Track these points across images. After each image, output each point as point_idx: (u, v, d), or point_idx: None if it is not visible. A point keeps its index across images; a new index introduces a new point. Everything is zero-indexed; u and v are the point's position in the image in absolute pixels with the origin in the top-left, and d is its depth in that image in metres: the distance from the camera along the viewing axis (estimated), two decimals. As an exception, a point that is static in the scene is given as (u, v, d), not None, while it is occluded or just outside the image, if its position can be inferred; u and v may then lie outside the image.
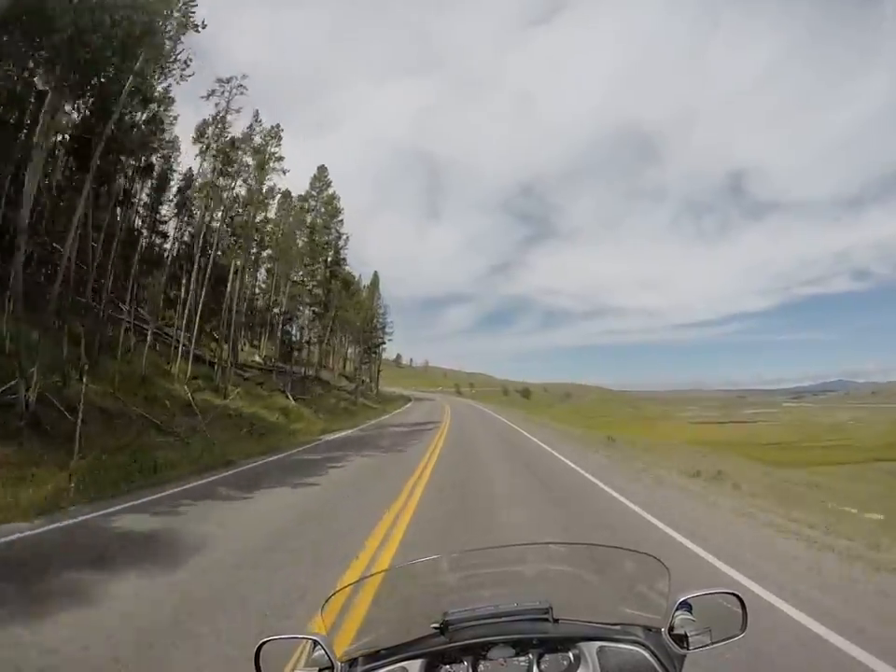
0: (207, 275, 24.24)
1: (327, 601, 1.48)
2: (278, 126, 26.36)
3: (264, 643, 1.25)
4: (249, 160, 25.13)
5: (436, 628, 1.25)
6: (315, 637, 1.24)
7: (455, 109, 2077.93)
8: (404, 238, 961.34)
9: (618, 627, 1.32)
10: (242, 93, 23.43)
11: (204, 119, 24.24)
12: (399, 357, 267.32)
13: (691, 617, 1.27)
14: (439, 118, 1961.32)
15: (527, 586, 1.61)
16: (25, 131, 16.17)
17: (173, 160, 28.05)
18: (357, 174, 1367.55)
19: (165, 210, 29.84)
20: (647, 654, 1.22)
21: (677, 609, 1.26)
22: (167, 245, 30.74)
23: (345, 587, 1.76)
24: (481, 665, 1.23)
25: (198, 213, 26.77)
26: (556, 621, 1.28)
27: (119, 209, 21.39)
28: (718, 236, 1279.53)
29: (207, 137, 23.80)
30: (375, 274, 63.56)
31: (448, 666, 1.22)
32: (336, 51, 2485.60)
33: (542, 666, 1.23)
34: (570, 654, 1.25)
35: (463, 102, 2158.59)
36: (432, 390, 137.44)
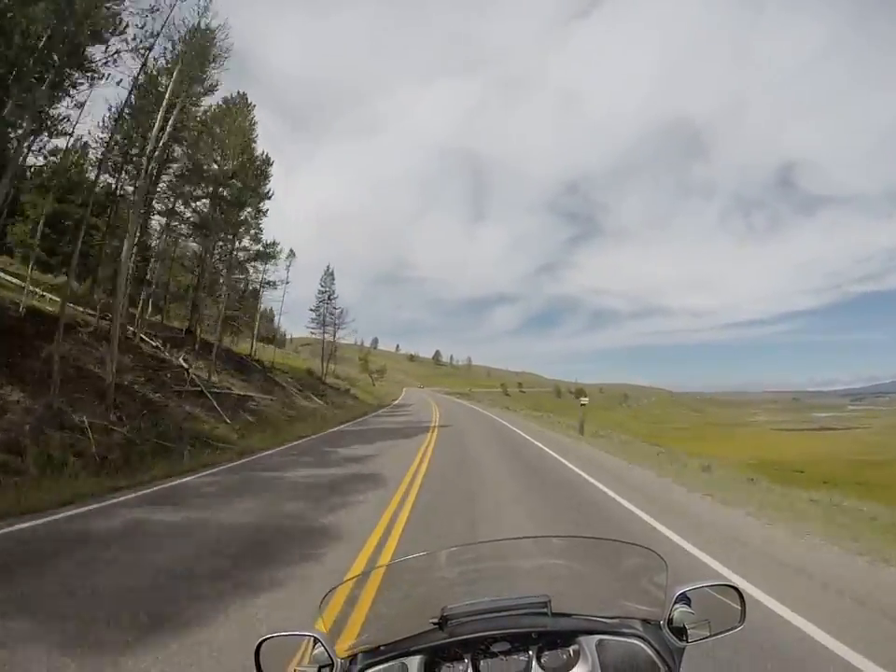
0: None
1: (325, 598, 1.47)
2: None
3: (264, 641, 1.26)
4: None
5: (434, 623, 1.24)
6: (314, 634, 1.25)
7: (499, 109, 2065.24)
8: (451, 240, 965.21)
9: (617, 621, 1.30)
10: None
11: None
12: (437, 353, 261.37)
13: (689, 610, 1.26)
14: (483, 118, 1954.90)
15: (526, 580, 1.64)
16: None
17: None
18: (404, 177, 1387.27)
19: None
20: (646, 647, 1.21)
21: (675, 602, 1.25)
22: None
23: (343, 583, 1.84)
24: (481, 662, 1.21)
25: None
26: (555, 615, 1.26)
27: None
28: (768, 233, 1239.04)
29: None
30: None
31: (448, 664, 1.22)
32: (381, 56, 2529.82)
33: (542, 661, 1.21)
34: (570, 648, 1.23)
35: (507, 101, 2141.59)
36: (458, 393, 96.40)
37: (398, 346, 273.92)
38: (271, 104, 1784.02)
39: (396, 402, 48.78)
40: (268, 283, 35.77)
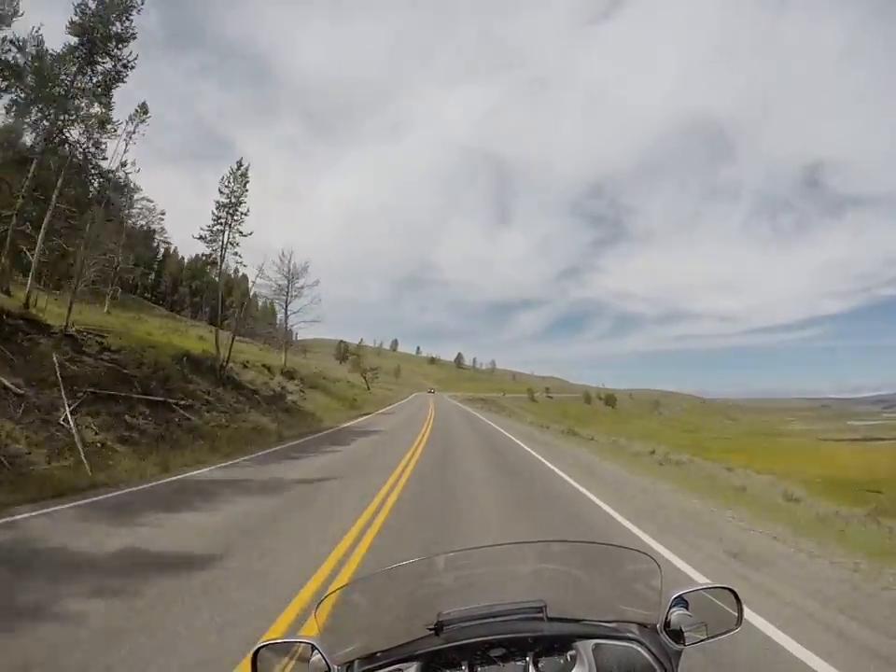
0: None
1: (320, 604, 1.46)
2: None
3: (260, 648, 1.27)
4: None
5: (431, 629, 1.25)
6: (310, 641, 1.27)
7: (524, 110, 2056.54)
8: (474, 242, 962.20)
9: (613, 625, 1.31)
10: None
11: None
12: (459, 356, 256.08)
13: (685, 613, 1.26)
14: (507, 120, 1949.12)
15: (521, 585, 1.63)
16: None
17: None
18: (428, 179, 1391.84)
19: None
20: (643, 651, 1.21)
21: (671, 605, 1.26)
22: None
23: (338, 589, 1.69)
24: (478, 668, 1.21)
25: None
26: (551, 619, 1.27)
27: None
28: (794, 235, 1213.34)
29: None
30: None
31: (445, 670, 1.22)
32: (407, 59, 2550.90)
33: (539, 666, 1.22)
34: (566, 653, 1.24)
35: (531, 103, 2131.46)
36: (481, 401, 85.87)
37: (418, 348, 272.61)
38: (298, 109, 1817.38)
39: (368, 417, 30.97)
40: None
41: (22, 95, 16.46)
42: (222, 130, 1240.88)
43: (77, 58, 17.48)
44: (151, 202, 53.23)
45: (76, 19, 17.53)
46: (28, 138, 17.99)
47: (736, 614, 1.32)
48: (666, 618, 1.26)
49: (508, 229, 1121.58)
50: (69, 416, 10.33)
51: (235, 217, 25.36)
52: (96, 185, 20.20)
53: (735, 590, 1.33)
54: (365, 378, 64.12)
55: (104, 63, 18.20)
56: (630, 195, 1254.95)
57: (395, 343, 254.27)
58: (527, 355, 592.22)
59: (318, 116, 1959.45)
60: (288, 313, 37.51)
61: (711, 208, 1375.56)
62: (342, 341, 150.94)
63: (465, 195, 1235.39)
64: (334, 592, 1.59)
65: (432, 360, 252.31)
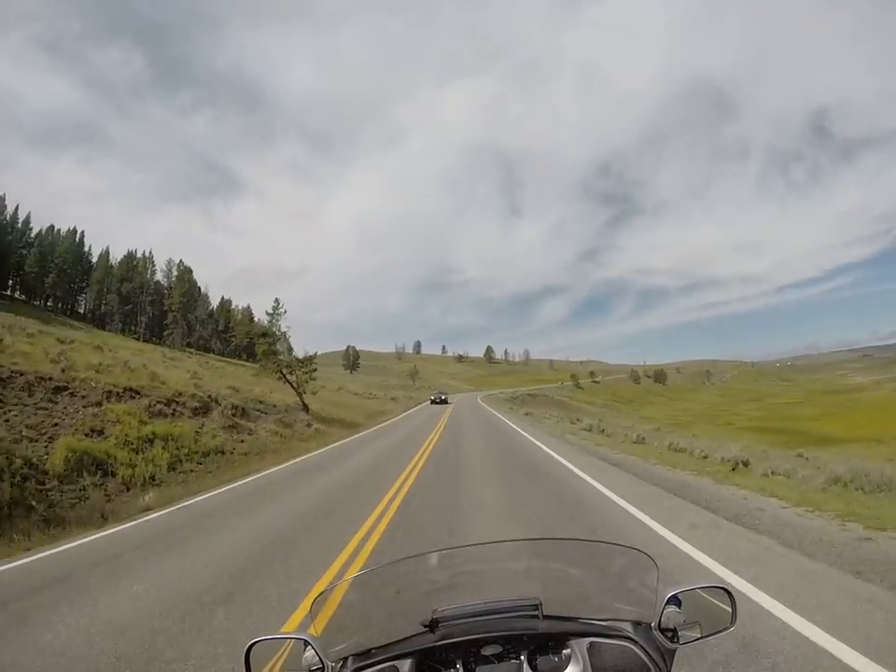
0: None
1: (315, 600, 1.43)
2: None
3: (254, 644, 1.25)
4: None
5: (425, 626, 1.23)
6: (304, 637, 1.24)
7: (520, 97, 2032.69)
8: (490, 238, 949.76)
9: (608, 623, 1.30)
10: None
11: None
12: (489, 350, 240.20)
13: (679, 611, 1.25)
14: (506, 109, 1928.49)
15: (516, 583, 1.63)
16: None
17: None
18: (436, 181, 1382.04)
19: None
20: (637, 649, 1.20)
21: (666, 604, 1.24)
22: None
23: (334, 586, 1.68)
24: (472, 665, 1.22)
25: None
26: (546, 617, 1.26)
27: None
28: (809, 186, 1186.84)
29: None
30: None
31: (440, 667, 1.22)
32: (396, 63, 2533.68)
33: (534, 664, 1.22)
34: (561, 651, 1.24)
35: (526, 88, 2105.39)
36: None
37: (444, 348, 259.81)
38: (295, 130, 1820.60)
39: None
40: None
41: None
42: (223, 160, 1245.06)
43: None
44: None
45: None
46: None
47: (731, 613, 1.30)
48: (661, 616, 1.24)
49: (521, 220, 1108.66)
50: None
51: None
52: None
53: (729, 589, 1.32)
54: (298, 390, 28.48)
55: None
56: (638, 169, 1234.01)
57: (417, 344, 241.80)
58: (558, 342, 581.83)
59: (317, 134, 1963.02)
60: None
61: (722, 171, 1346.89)
62: (349, 346, 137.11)
63: (474, 193, 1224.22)
64: (330, 589, 1.67)
65: (460, 358, 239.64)
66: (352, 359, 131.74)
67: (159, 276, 77.33)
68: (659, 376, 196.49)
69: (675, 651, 1.24)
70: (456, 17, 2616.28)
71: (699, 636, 1.27)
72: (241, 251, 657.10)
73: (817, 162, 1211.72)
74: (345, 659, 1.25)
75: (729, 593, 1.32)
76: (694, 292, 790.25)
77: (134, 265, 71.80)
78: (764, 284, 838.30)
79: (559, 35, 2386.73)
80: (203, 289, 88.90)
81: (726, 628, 1.29)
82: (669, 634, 1.24)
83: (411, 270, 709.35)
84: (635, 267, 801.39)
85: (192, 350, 67.62)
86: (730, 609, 1.30)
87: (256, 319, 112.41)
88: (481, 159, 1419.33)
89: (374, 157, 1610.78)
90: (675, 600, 1.25)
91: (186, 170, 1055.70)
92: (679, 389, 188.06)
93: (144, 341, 62.55)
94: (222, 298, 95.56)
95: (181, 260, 73.95)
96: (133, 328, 69.78)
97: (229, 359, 74.10)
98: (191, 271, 73.44)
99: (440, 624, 1.22)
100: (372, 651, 1.25)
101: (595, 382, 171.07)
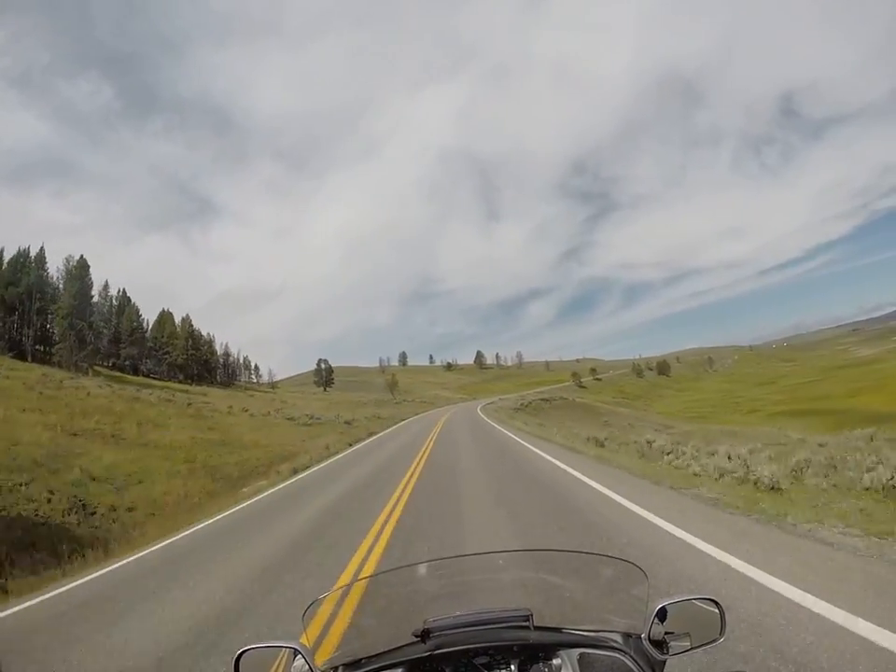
0: None
1: (307, 609, 1.44)
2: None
3: (244, 652, 1.24)
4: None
5: (416, 636, 1.23)
6: (295, 646, 1.23)
7: (492, 103, 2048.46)
8: (472, 245, 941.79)
9: (597, 634, 1.29)
10: None
11: None
12: (479, 355, 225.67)
13: (669, 622, 1.25)
14: (478, 116, 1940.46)
15: (508, 593, 1.64)
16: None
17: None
18: (415, 192, 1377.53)
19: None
20: (627, 660, 1.20)
21: (655, 615, 1.24)
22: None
23: (326, 596, 1.77)
24: None
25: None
26: (537, 628, 1.25)
27: None
28: (784, 168, 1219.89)
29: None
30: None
31: None
32: (365, 76, 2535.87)
33: None
34: (551, 662, 1.23)
35: (497, 94, 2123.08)
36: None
37: (431, 357, 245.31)
38: (270, 150, 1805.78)
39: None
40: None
41: None
42: (198, 186, 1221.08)
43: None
44: None
45: None
46: None
47: (720, 624, 1.28)
48: (651, 628, 1.23)
49: (501, 224, 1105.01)
50: None
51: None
52: None
53: (719, 601, 1.30)
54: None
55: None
56: (613, 164, 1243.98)
57: (403, 355, 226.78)
58: (548, 343, 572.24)
59: (293, 151, 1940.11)
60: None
61: (696, 159, 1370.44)
62: (321, 360, 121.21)
63: (454, 200, 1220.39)
64: (322, 598, 1.70)
65: (449, 366, 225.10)
66: (325, 375, 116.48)
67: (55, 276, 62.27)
68: (662, 368, 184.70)
69: (665, 661, 1.22)
70: (426, 24, 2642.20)
71: (689, 646, 1.25)
72: (223, 275, 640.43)
73: (789, 144, 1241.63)
74: (336, 668, 1.25)
75: (718, 604, 1.29)
76: (681, 282, 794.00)
77: (23, 265, 56.57)
78: (749, 268, 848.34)
79: (527, 36, 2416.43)
80: (120, 293, 75.33)
81: (716, 639, 1.27)
82: (659, 645, 1.22)
83: (395, 282, 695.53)
84: (619, 262, 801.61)
85: (94, 369, 52.07)
86: (719, 621, 1.27)
87: (223, 344, 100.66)
88: (458, 164, 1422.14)
89: (351, 170, 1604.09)
90: (664, 611, 1.24)
91: (161, 198, 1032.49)
92: (684, 379, 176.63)
93: (33, 359, 47.50)
94: (163, 310, 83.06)
95: (82, 256, 59.09)
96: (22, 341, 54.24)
97: (153, 380, 62.14)
98: (88, 266, 58.09)
99: (431, 634, 1.21)
100: (363, 660, 1.25)
101: (598, 379, 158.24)
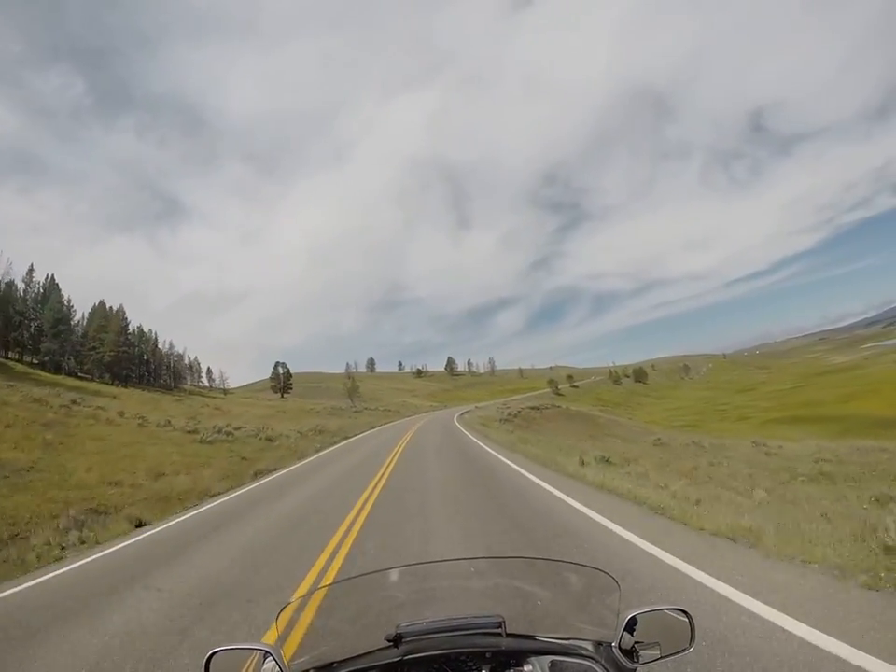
0: None
1: (280, 612, 1.41)
2: None
3: (214, 654, 1.21)
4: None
5: (388, 641, 1.22)
6: (266, 648, 1.21)
7: (463, 112, 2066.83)
8: (440, 253, 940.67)
9: (569, 642, 1.29)
10: None
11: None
12: (451, 362, 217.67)
13: (639, 632, 1.25)
14: (450, 124, 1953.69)
15: (480, 600, 1.65)
16: None
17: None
18: (384, 198, 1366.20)
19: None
20: (597, 668, 1.21)
21: (626, 624, 1.24)
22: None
23: (299, 598, 1.78)
24: None
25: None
26: (509, 635, 1.25)
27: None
28: (751, 182, 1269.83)
29: None
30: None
31: None
32: (339, 80, 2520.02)
33: None
34: (523, 668, 1.23)
35: (469, 103, 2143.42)
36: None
37: (400, 364, 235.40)
38: (239, 152, 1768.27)
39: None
40: None
41: None
42: (168, 186, 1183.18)
43: None
44: None
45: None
46: None
47: (689, 634, 1.29)
48: (621, 636, 1.23)
49: (471, 232, 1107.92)
50: None
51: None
52: None
53: (689, 611, 1.31)
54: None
55: None
56: (583, 175, 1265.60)
57: (371, 361, 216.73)
58: (518, 352, 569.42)
59: (263, 154, 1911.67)
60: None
61: (665, 171, 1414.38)
62: (278, 363, 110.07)
63: (424, 207, 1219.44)
64: (294, 601, 1.69)
65: (419, 373, 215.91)
66: (282, 380, 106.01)
67: None
68: (639, 375, 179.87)
69: (635, 670, 1.22)
70: (401, 31, 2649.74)
71: (658, 655, 1.26)
72: (189, 278, 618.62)
73: (756, 159, 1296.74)
74: (307, 671, 1.24)
75: (688, 614, 1.30)
76: (649, 292, 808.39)
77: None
78: (715, 279, 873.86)
79: (501, 46, 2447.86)
80: (48, 280, 65.70)
81: (685, 649, 1.28)
82: (629, 654, 1.22)
83: (363, 288, 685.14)
84: (588, 272, 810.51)
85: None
86: (689, 631, 1.28)
87: (164, 342, 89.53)
88: (428, 171, 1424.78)
89: (321, 175, 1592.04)
90: (635, 620, 1.24)
91: (129, 197, 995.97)
92: (662, 387, 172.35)
93: None
94: (98, 302, 73.60)
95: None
96: None
97: (75, 379, 49.52)
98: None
99: (403, 639, 1.21)
100: (335, 664, 1.24)
101: (574, 387, 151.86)
